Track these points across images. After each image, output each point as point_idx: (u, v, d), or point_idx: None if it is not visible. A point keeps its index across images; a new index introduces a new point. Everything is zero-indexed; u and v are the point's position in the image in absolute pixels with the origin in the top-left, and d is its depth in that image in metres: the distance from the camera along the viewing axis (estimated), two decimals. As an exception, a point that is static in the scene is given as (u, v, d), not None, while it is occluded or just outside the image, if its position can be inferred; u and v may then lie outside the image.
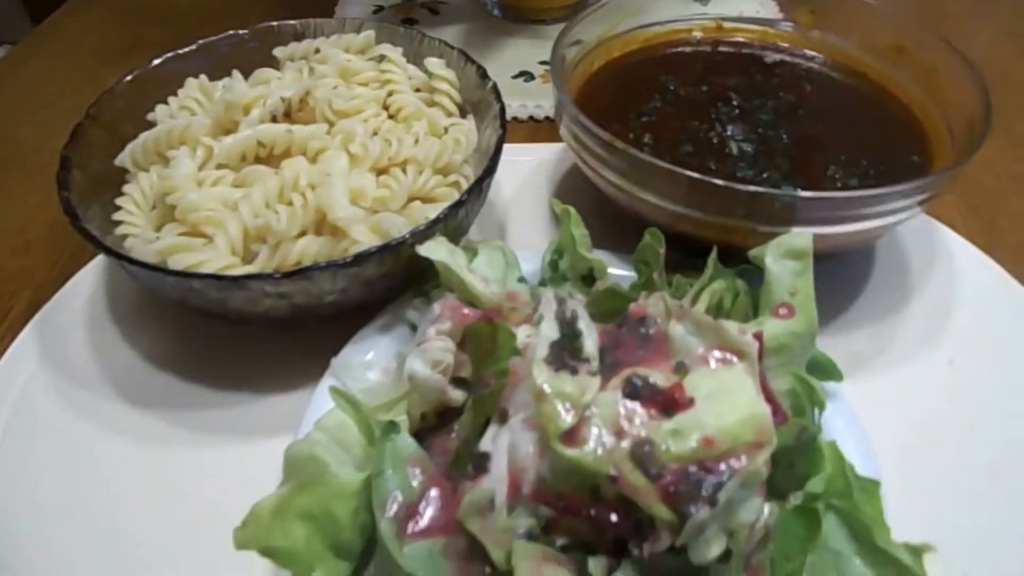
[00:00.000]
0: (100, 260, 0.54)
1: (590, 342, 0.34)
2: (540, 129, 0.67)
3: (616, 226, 0.49)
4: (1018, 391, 0.46)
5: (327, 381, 0.41)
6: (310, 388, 0.42)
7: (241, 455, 0.43)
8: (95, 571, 0.39)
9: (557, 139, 0.63)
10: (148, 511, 0.41)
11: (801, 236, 0.37)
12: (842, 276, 0.52)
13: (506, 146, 0.48)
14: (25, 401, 0.46)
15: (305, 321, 0.44)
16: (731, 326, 0.33)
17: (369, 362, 0.43)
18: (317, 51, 0.55)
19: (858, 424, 0.39)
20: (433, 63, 0.54)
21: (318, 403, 0.40)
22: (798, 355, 0.36)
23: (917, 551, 0.32)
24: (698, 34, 0.62)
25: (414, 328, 0.44)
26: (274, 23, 0.57)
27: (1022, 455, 0.43)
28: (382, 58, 0.55)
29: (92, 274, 0.53)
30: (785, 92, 0.55)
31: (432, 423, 0.39)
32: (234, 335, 0.48)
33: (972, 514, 0.40)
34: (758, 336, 0.33)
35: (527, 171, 0.61)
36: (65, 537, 0.40)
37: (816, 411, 0.36)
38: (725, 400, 0.31)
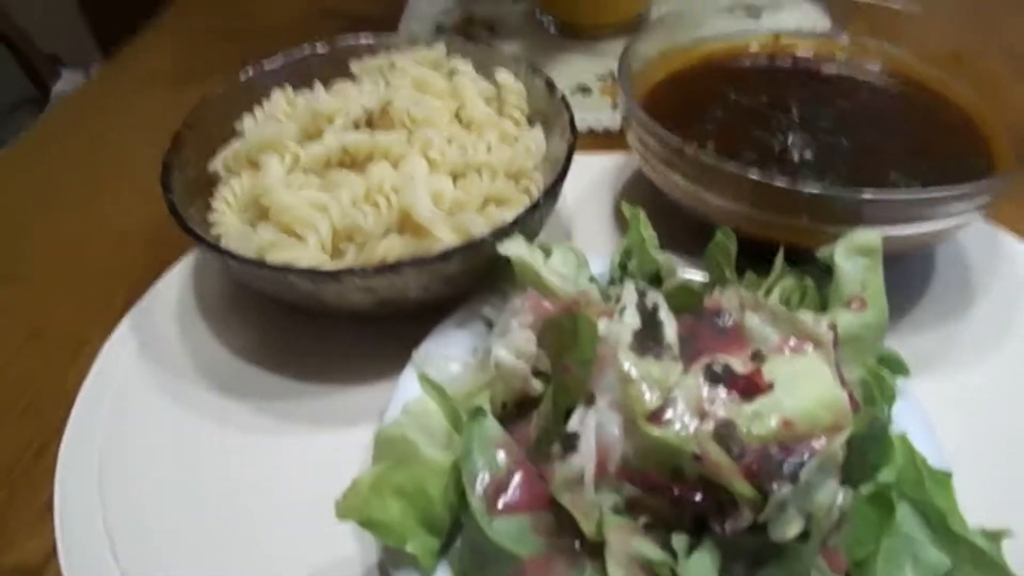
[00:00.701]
0: (188, 260, 0.58)
1: (671, 331, 0.36)
2: (599, 140, 0.70)
3: (681, 231, 0.50)
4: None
5: (410, 371, 0.44)
6: (392, 380, 0.44)
7: (326, 442, 0.46)
8: (196, 545, 0.41)
9: (616, 150, 0.66)
10: (241, 491, 0.44)
11: (870, 233, 0.39)
12: (904, 280, 0.53)
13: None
14: (126, 387, 0.49)
15: (387, 316, 0.47)
16: (806, 316, 0.35)
17: (449, 355, 0.45)
18: (392, 65, 0.58)
19: (927, 419, 0.40)
20: (502, 75, 0.57)
21: (403, 391, 0.43)
22: (869, 347, 0.37)
23: (995, 536, 0.33)
24: (756, 47, 0.64)
25: (489, 324, 0.46)
26: (350, 38, 0.61)
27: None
28: (453, 71, 0.58)
29: (181, 273, 0.57)
30: (843, 101, 0.57)
31: (512, 412, 0.41)
32: (318, 329, 0.51)
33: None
34: (832, 326, 0.35)
35: (589, 179, 0.63)
36: (166, 513, 0.43)
37: (888, 401, 0.37)
38: (803, 385, 0.33)
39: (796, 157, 0.52)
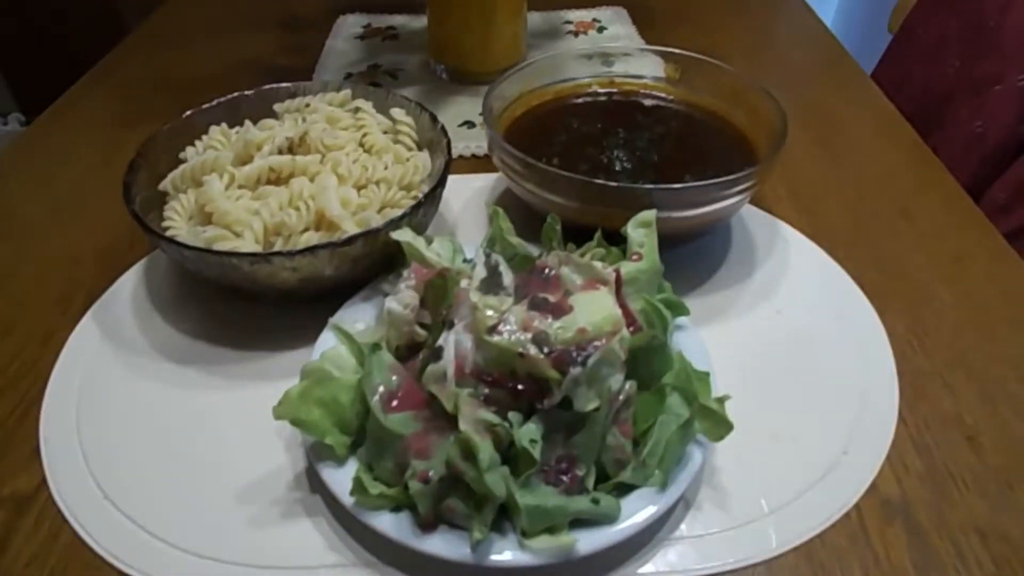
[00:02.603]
0: (139, 266, 0.70)
1: (508, 279, 0.51)
2: (479, 164, 0.86)
3: (529, 224, 0.67)
4: (822, 329, 0.65)
5: (328, 331, 0.58)
6: (312, 345, 0.58)
7: (260, 393, 0.58)
8: (161, 471, 0.54)
9: (492, 171, 0.82)
10: (195, 429, 0.56)
11: (649, 212, 0.56)
12: (704, 255, 0.71)
13: (453, 176, 0.67)
14: (94, 362, 0.61)
15: (309, 295, 0.61)
16: (599, 265, 0.51)
17: (356, 319, 0.59)
18: (307, 105, 0.73)
19: (701, 342, 0.57)
20: (396, 112, 0.73)
21: (322, 345, 0.57)
22: (646, 287, 0.54)
23: (721, 400, 0.49)
24: (596, 88, 0.82)
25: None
26: (273, 85, 0.75)
27: (824, 369, 0.61)
28: (357, 109, 0.74)
29: (134, 276, 0.69)
30: (657, 126, 0.75)
31: (404, 355, 0.56)
32: (252, 310, 0.65)
33: (785, 406, 0.58)
34: (616, 270, 0.51)
35: (469, 194, 0.79)
36: (135, 451, 0.55)
37: (663, 326, 0.54)
38: (594, 308, 0.49)
39: (618, 167, 0.69)
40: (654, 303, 0.54)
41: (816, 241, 0.73)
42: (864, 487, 0.53)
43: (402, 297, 0.54)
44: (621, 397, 0.50)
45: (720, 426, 0.49)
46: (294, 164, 0.64)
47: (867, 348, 0.63)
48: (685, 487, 0.49)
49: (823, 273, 0.70)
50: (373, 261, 0.61)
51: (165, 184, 0.66)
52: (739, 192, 0.63)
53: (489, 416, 0.46)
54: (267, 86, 0.75)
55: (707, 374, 0.53)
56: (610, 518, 0.47)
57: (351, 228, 0.60)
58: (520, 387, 0.48)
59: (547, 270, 0.53)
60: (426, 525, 0.46)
